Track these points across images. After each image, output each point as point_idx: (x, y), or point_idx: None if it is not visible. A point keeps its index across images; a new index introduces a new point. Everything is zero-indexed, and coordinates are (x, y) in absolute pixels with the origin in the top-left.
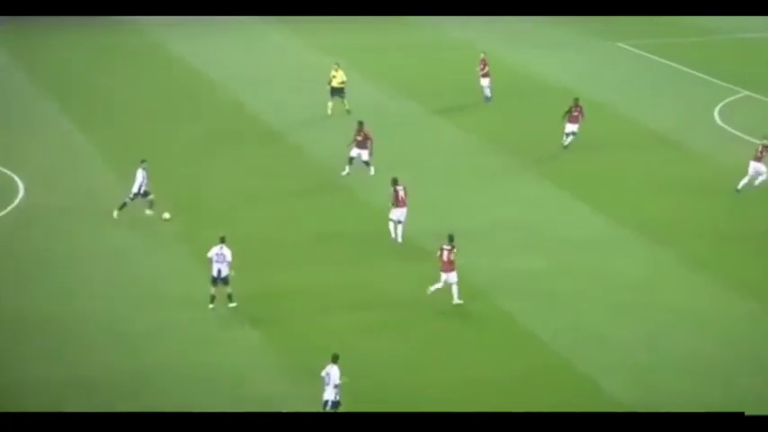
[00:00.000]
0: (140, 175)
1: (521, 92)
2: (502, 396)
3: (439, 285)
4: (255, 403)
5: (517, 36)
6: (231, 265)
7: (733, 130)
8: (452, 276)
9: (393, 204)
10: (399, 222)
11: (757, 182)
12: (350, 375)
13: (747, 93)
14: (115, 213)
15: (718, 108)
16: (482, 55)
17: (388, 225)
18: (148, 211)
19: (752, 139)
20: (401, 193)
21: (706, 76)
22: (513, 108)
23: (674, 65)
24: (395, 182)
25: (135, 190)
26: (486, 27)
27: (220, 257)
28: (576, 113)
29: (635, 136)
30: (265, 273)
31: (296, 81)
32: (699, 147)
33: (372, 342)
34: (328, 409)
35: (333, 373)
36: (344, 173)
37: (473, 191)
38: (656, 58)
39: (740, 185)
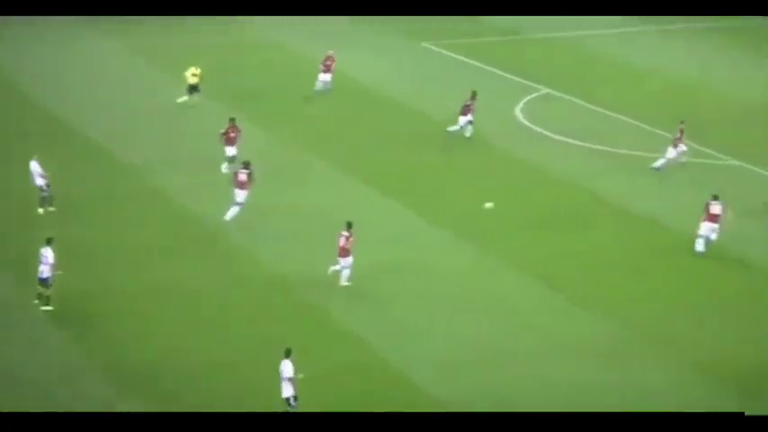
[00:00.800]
0: (34, 167)
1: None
2: (315, 392)
3: (336, 267)
4: (72, 406)
5: (324, 36)
6: (54, 268)
7: (533, 126)
8: (346, 261)
9: (234, 186)
10: (238, 204)
11: (682, 160)
12: (167, 376)
13: (548, 90)
14: (40, 210)
15: (519, 105)
16: (330, 52)
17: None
18: (40, 210)
19: (551, 135)
20: (240, 176)
21: (508, 75)
22: (321, 107)
23: (477, 64)
24: (245, 164)
25: (41, 182)
26: (292, 27)
27: (44, 259)
28: (469, 104)
29: (439, 134)
30: (85, 275)
31: (110, 84)
32: (500, 143)
33: (191, 342)
34: (292, 403)
35: (285, 368)
36: (225, 170)
37: (286, 192)
38: (459, 57)
39: (657, 164)
